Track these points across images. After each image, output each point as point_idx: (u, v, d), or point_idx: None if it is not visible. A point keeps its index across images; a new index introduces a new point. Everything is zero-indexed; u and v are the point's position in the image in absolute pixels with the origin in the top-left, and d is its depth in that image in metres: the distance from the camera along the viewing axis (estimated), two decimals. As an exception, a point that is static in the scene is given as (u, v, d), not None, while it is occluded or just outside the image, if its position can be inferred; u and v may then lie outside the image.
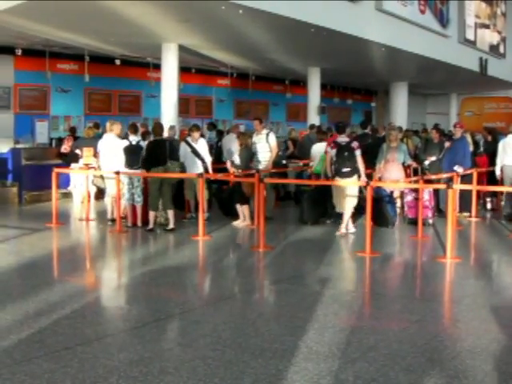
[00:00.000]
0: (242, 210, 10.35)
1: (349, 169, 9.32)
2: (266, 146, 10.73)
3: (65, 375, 3.99)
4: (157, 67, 17.09)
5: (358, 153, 9.43)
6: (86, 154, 12.21)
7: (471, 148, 12.21)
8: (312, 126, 15.94)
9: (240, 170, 10.41)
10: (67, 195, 13.88)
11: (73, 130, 15.51)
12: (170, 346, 4.77)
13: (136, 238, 9.65)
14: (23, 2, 11.01)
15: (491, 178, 12.52)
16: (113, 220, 10.46)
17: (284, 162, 13.21)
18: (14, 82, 17.04)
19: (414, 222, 10.28)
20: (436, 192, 10.81)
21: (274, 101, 24.56)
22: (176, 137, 13.17)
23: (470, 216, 11.40)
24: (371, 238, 8.08)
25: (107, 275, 7.45)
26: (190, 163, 10.69)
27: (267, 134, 10.85)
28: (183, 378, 3.97)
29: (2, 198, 13.19)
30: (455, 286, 6.96)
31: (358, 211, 9.93)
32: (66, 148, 13.66)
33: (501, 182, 11.81)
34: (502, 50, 24.96)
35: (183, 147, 10.77)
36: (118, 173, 9.89)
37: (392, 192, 10.85)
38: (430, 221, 10.43)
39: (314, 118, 19.41)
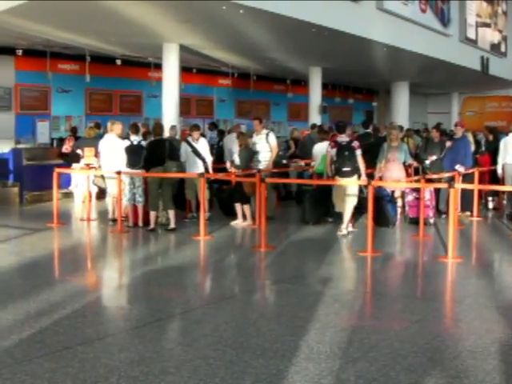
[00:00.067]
0: (244, 209, 10.35)
1: (349, 168, 9.32)
2: (266, 146, 10.73)
3: (66, 375, 3.99)
4: (158, 67, 17.09)
5: (358, 152, 9.43)
6: (87, 154, 12.20)
7: (473, 147, 12.20)
8: (313, 126, 15.95)
9: (240, 170, 10.41)
10: (68, 195, 13.89)
11: (74, 130, 15.53)
12: (171, 345, 4.76)
13: (137, 238, 9.65)
14: (24, 2, 11.01)
15: (493, 177, 12.52)
16: (114, 220, 10.46)
17: (284, 161, 13.20)
18: (15, 82, 17.05)
19: (414, 222, 10.27)
20: (436, 192, 10.79)
21: (276, 100, 24.56)
22: (177, 137, 13.17)
23: (472, 215, 11.39)
24: (372, 238, 8.07)
25: (108, 275, 7.45)
26: (190, 163, 10.69)
27: (267, 134, 10.84)
28: (184, 378, 3.96)
29: (3, 198, 13.20)
30: (456, 286, 6.96)
31: (359, 211, 9.92)
32: (67, 148, 13.66)
33: (502, 181, 11.81)
34: (503, 48, 24.95)
35: (184, 147, 10.78)
36: (119, 173, 9.89)
37: (393, 192, 10.84)
38: (431, 220, 10.42)
39: (315, 118, 19.41)
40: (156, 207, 9.94)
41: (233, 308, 5.76)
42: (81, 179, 12.91)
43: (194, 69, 20.51)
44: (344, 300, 6.05)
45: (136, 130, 10.37)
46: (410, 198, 10.61)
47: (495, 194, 12.85)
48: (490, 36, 23.68)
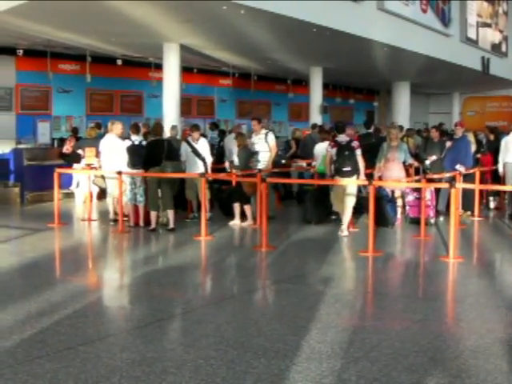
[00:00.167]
0: (245, 209, 10.36)
1: (349, 168, 9.32)
2: (265, 146, 10.74)
3: (67, 375, 3.99)
4: (158, 67, 17.09)
5: (358, 152, 9.44)
6: (88, 154, 12.21)
7: (474, 147, 12.20)
8: (314, 126, 15.95)
9: (239, 171, 10.42)
10: (69, 195, 13.90)
11: (75, 131, 15.54)
12: (172, 345, 4.76)
13: (138, 238, 9.65)
14: (24, 2, 11.01)
15: (495, 177, 12.55)
16: (115, 220, 10.47)
17: (283, 161, 13.20)
18: (16, 82, 17.07)
19: (415, 222, 10.27)
20: (436, 192, 10.78)
21: (276, 100, 24.57)
22: (178, 137, 13.17)
23: (473, 215, 11.38)
24: (374, 238, 8.07)
25: (109, 275, 7.45)
26: (190, 163, 10.70)
27: (266, 134, 10.85)
28: (185, 378, 3.96)
29: (4, 199, 13.21)
30: (458, 286, 6.95)
31: (358, 211, 9.92)
32: (67, 148, 13.66)
33: (503, 180, 11.84)
34: (504, 48, 24.95)
35: (184, 147, 10.78)
36: (120, 173, 9.89)
37: (393, 192, 10.85)
38: (432, 220, 10.42)
39: (316, 118, 19.41)
40: (156, 207, 9.94)
41: (234, 308, 5.76)
42: (82, 179, 12.93)
43: (195, 69, 20.51)
44: (345, 300, 6.05)
45: (137, 130, 10.37)
46: (410, 197, 10.61)
47: (496, 193, 12.85)
48: (491, 36, 23.68)
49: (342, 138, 9.63)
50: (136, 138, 10.16)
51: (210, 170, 10.89)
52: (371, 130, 13.68)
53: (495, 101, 30.27)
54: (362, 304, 6.09)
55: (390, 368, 4.12)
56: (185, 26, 13.36)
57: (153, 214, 9.90)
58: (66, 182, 13.62)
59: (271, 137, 10.89)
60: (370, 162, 10.68)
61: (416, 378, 4.00)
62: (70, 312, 5.42)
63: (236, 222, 10.40)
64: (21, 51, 16.44)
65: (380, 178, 10.45)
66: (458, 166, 10.90)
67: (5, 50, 16.48)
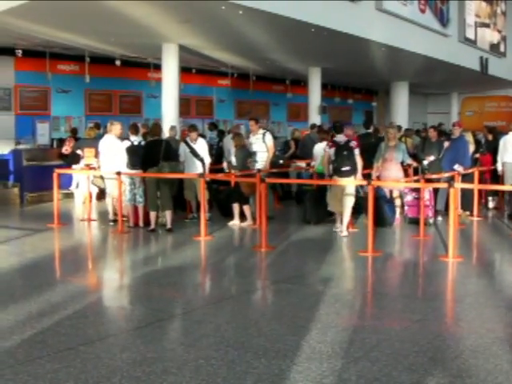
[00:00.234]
0: (244, 210, 10.37)
1: (348, 168, 9.33)
2: (262, 146, 10.75)
3: (67, 375, 4.00)
4: (157, 67, 17.09)
5: (356, 152, 9.45)
6: (87, 154, 12.22)
7: (472, 147, 12.21)
8: (313, 126, 15.96)
9: (237, 171, 10.44)
10: (69, 196, 13.90)
11: (74, 132, 15.53)
12: (172, 346, 4.76)
13: (138, 238, 9.66)
14: (23, 2, 11.00)
15: (495, 177, 12.59)
16: (114, 220, 10.47)
17: (281, 161, 13.22)
18: (15, 83, 17.05)
19: (414, 222, 10.28)
20: (434, 192, 10.79)
21: (275, 101, 24.57)
22: (177, 137, 13.18)
23: (472, 215, 11.40)
24: (373, 238, 8.08)
25: (109, 275, 7.45)
26: (189, 163, 10.71)
27: (264, 134, 10.87)
28: (186, 378, 3.97)
29: (3, 199, 13.21)
30: (457, 285, 6.96)
31: (356, 211, 9.92)
32: (66, 149, 13.66)
33: (502, 179, 11.89)
34: (502, 48, 24.96)
35: (182, 147, 10.80)
36: (119, 173, 9.89)
37: (391, 191, 10.86)
38: (431, 220, 10.42)
39: (314, 118, 19.41)
40: (155, 207, 9.95)
41: (234, 308, 5.76)
42: (81, 180, 12.93)
43: (194, 69, 20.50)
44: (345, 300, 6.06)
45: (135, 131, 10.38)
46: (409, 198, 10.61)
47: (495, 193, 12.87)
48: (489, 36, 23.68)
49: (340, 137, 9.63)
50: (135, 139, 10.17)
51: (207, 171, 10.89)
52: (370, 130, 13.69)
53: (494, 101, 30.29)
54: (362, 304, 6.10)
55: (390, 368, 4.13)
56: (183, 27, 13.35)
57: (152, 215, 9.90)
58: (66, 182, 13.62)
59: (269, 137, 10.91)
60: (369, 162, 10.70)
61: (416, 377, 4.01)
62: (70, 312, 5.42)
63: (235, 223, 10.41)
64: (20, 52, 16.41)
65: (378, 178, 10.46)
66: (456, 166, 10.90)
67: (4, 50, 16.46)
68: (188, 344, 4.68)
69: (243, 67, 20.62)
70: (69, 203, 13.38)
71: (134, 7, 11.45)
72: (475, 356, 4.39)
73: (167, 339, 4.95)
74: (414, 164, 11.53)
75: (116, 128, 10.65)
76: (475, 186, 10.90)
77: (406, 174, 11.51)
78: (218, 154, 14.39)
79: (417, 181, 10.39)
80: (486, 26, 23.46)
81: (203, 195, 9.54)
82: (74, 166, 12.59)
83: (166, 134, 13.18)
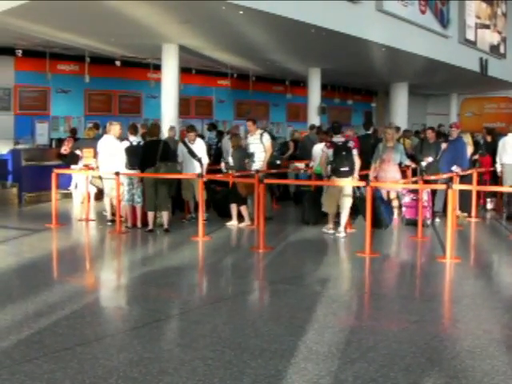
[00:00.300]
0: (241, 210, 10.37)
1: (347, 168, 9.33)
2: (260, 147, 10.75)
3: (64, 376, 4.00)
4: (157, 68, 17.09)
5: (355, 152, 9.46)
6: (86, 154, 12.21)
7: (471, 149, 12.21)
8: (312, 127, 15.97)
9: (233, 171, 10.44)
10: (67, 196, 13.90)
11: (73, 132, 15.53)
12: (169, 346, 4.77)
13: (136, 238, 9.65)
14: (23, 3, 11.00)
15: (494, 178, 12.61)
16: (112, 221, 10.47)
17: (278, 162, 13.23)
18: (15, 83, 17.05)
19: (411, 223, 10.28)
20: (432, 194, 10.79)
21: (275, 101, 24.57)
22: (176, 137, 13.18)
23: (470, 216, 11.40)
24: (371, 239, 8.09)
25: (107, 276, 7.45)
26: (187, 164, 10.72)
27: (261, 135, 10.87)
28: (183, 379, 3.97)
29: (1, 199, 13.20)
30: (455, 286, 6.97)
31: (353, 211, 9.91)
32: (65, 149, 13.66)
33: (500, 181, 11.90)
34: (502, 50, 24.95)
35: (180, 148, 10.82)
36: (117, 174, 9.89)
37: (388, 192, 10.85)
38: (428, 221, 10.42)
39: (314, 119, 19.41)
40: (153, 208, 9.94)
41: (231, 309, 5.76)
42: (79, 180, 12.93)
43: (193, 69, 20.51)
44: (342, 301, 6.06)
45: (135, 131, 10.39)
46: (407, 199, 10.59)
47: (494, 194, 12.88)
48: (490, 37, 23.68)
49: (339, 138, 9.63)
50: (134, 139, 10.18)
51: (204, 171, 10.88)
52: (370, 132, 13.69)
53: (493, 102, 30.28)
54: (359, 305, 6.10)
55: (387, 369, 4.14)
56: (183, 27, 13.36)
57: (150, 215, 9.90)
58: (64, 182, 13.62)
59: (266, 137, 10.91)
60: (368, 163, 10.70)
61: (413, 378, 4.01)
62: (67, 313, 5.42)
63: (233, 223, 10.42)
64: (20, 52, 16.41)
65: (375, 179, 10.46)
66: (454, 168, 10.90)
67: (4, 50, 16.45)
68: (185, 344, 4.68)
69: (243, 68, 20.63)
70: (67, 203, 13.38)
71: (134, 7, 11.46)
72: (472, 357, 4.39)
73: (164, 340, 4.95)
74: (413, 165, 11.53)
75: (115, 128, 10.65)
76: (473, 188, 10.90)
77: (405, 176, 11.52)
78: (216, 154, 14.38)
79: (415, 182, 10.39)
80: (486, 27, 23.46)
81: (201, 196, 9.53)
82: (72, 166, 12.59)
83: (165, 134, 13.18)
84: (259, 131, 11.01)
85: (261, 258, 8.09)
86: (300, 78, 21.95)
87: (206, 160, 10.92)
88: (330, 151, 9.48)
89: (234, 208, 10.43)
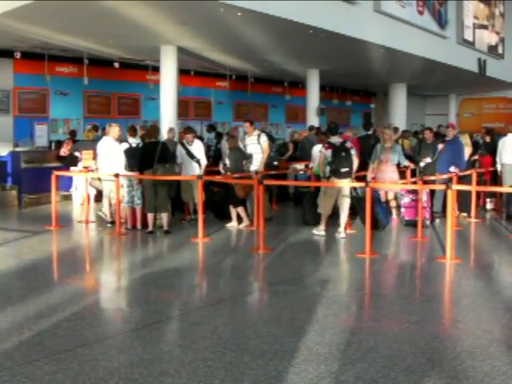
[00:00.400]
0: (238, 211, 10.37)
1: (347, 169, 9.33)
2: (257, 148, 10.75)
3: (65, 377, 4.00)
4: (156, 69, 17.09)
5: (353, 152, 9.47)
6: (85, 156, 12.22)
7: (469, 149, 12.20)
8: (311, 128, 15.98)
9: (229, 173, 10.45)
10: (67, 197, 13.90)
11: (73, 134, 15.52)
12: (170, 347, 4.77)
13: (135, 240, 9.66)
14: (22, 4, 11.00)
15: (495, 178, 12.63)
16: (112, 222, 10.47)
17: (275, 163, 13.23)
18: (13, 85, 17.02)
19: (410, 224, 10.28)
20: (430, 194, 10.79)
21: (273, 103, 24.56)
22: (175, 139, 13.19)
23: (469, 216, 11.40)
24: (371, 240, 8.09)
25: (107, 277, 7.44)
26: (186, 165, 10.72)
27: (258, 136, 10.87)
28: (183, 380, 3.97)
29: (1, 201, 13.20)
30: (455, 287, 6.97)
31: (352, 212, 9.91)
32: (64, 151, 13.66)
33: (500, 180, 11.92)
34: (500, 50, 24.97)
35: (179, 149, 10.83)
36: (117, 175, 9.90)
37: (386, 193, 10.85)
38: (427, 222, 10.42)
39: (313, 120, 19.41)
40: (153, 209, 9.94)
41: (231, 310, 5.76)
42: (79, 182, 12.93)
43: (192, 71, 20.51)
44: (343, 301, 6.06)
45: (134, 133, 10.40)
46: (406, 200, 10.59)
47: (493, 194, 12.88)
48: (488, 38, 23.70)
49: (336, 139, 9.62)
50: (133, 141, 10.19)
51: (202, 173, 10.88)
52: (370, 132, 13.68)
53: (492, 102, 30.28)
54: (360, 306, 6.10)
55: (387, 369, 4.14)
56: (182, 29, 13.36)
57: (150, 216, 9.90)
58: (64, 184, 13.61)
59: (263, 138, 10.91)
60: (367, 164, 10.71)
61: (414, 379, 4.01)
62: (67, 314, 5.42)
63: (233, 224, 10.42)
64: (18, 54, 16.40)
65: (373, 180, 10.46)
66: (452, 168, 10.90)
67: (2, 52, 16.44)
68: (185, 346, 4.68)
69: (241, 69, 20.63)
70: (67, 205, 13.38)
71: (133, 9, 11.46)
72: (472, 357, 4.39)
73: (165, 341, 4.95)
74: (412, 166, 11.54)
75: (114, 130, 10.65)
76: (473, 188, 10.90)
77: (404, 176, 11.53)
78: (216, 156, 14.38)
79: (414, 183, 10.39)
80: (484, 27, 23.48)
81: (201, 197, 9.54)
82: (71, 168, 12.59)
83: (164, 136, 13.19)
84: (256, 132, 11.02)
85: (261, 259, 8.09)
86: (299, 79, 21.96)
87: (204, 161, 10.93)
88: (328, 152, 9.47)
89: (233, 210, 10.43)
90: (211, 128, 17.80)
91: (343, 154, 9.35)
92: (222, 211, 10.84)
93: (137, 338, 4.83)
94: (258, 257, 8.20)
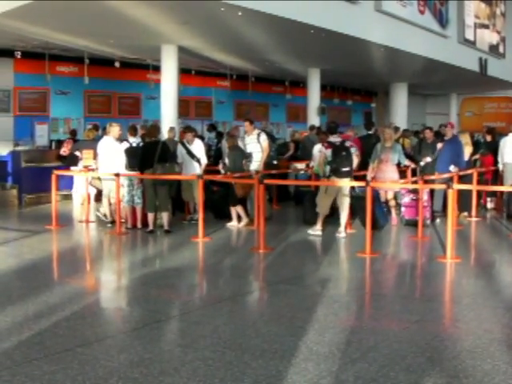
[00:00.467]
0: (237, 210, 10.37)
1: (348, 168, 9.32)
2: (257, 147, 10.76)
3: (65, 377, 4.00)
4: (156, 69, 17.08)
5: (353, 150, 9.46)
6: (85, 156, 12.21)
7: (470, 149, 12.18)
8: (312, 127, 15.97)
9: (228, 172, 10.44)
10: (67, 197, 13.90)
11: (73, 133, 15.52)
12: (170, 347, 4.76)
13: (136, 239, 9.66)
14: (22, 4, 11.00)
15: (496, 177, 12.63)
16: (112, 222, 10.47)
17: (275, 162, 13.22)
18: (14, 84, 17.04)
19: (410, 224, 10.27)
20: (430, 194, 10.78)
21: (274, 102, 24.55)
22: (176, 138, 13.18)
23: (470, 216, 11.40)
24: (371, 239, 8.08)
25: (107, 277, 7.44)
26: (187, 165, 10.73)
27: (258, 135, 10.88)
28: (183, 379, 3.97)
29: (1, 201, 13.20)
30: (455, 286, 6.96)
31: (352, 212, 9.90)
32: (64, 151, 13.66)
33: (501, 180, 11.92)
34: (501, 49, 24.94)
35: (179, 149, 10.83)
36: (117, 175, 9.90)
37: (386, 192, 10.84)
38: (428, 221, 10.41)
39: (314, 119, 19.40)
40: (153, 209, 9.94)
41: (232, 309, 5.76)
42: (79, 181, 12.93)
43: (193, 70, 20.50)
44: (343, 301, 6.06)
45: (134, 132, 10.40)
46: (406, 199, 10.57)
47: (494, 194, 12.88)
48: (489, 37, 23.67)
49: (336, 138, 9.61)
50: (134, 140, 10.19)
51: (201, 172, 10.87)
52: (372, 132, 13.67)
53: (493, 102, 30.26)
54: (360, 305, 6.09)
55: (387, 369, 4.13)
56: (182, 28, 13.36)
57: (150, 216, 9.90)
58: (64, 183, 13.61)
59: (263, 137, 10.92)
60: (368, 163, 10.70)
61: (414, 378, 4.00)
62: (67, 314, 5.42)
63: (233, 224, 10.41)
64: (19, 53, 16.40)
65: (373, 179, 10.45)
66: (451, 168, 10.88)
67: (3, 52, 16.45)
68: (185, 345, 4.68)
69: (242, 68, 20.62)
70: (67, 205, 13.38)
71: (133, 8, 11.45)
72: (473, 357, 4.39)
73: (165, 340, 4.95)
74: (412, 165, 11.53)
75: (114, 130, 10.65)
76: (473, 187, 10.89)
77: (404, 176, 11.52)
78: (216, 155, 14.38)
79: (415, 182, 10.38)
80: (486, 27, 23.46)
81: (201, 196, 9.53)
82: (72, 168, 12.59)
83: (164, 135, 13.18)
84: (256, 131, 11.02)
85: (261, 259, 8.09)
86: (299, 78, 21.95)
87: (204, 160, 10.92)
88: (328, 151, 9.46)
89: (233, 209, 10.42)
90: (212, 127, 17.80)
91: (344, 153, 9.34)
92: (221, 211, 10.83)
93: (137, 338, 4.83)
94: (259, 256, 8.20)
